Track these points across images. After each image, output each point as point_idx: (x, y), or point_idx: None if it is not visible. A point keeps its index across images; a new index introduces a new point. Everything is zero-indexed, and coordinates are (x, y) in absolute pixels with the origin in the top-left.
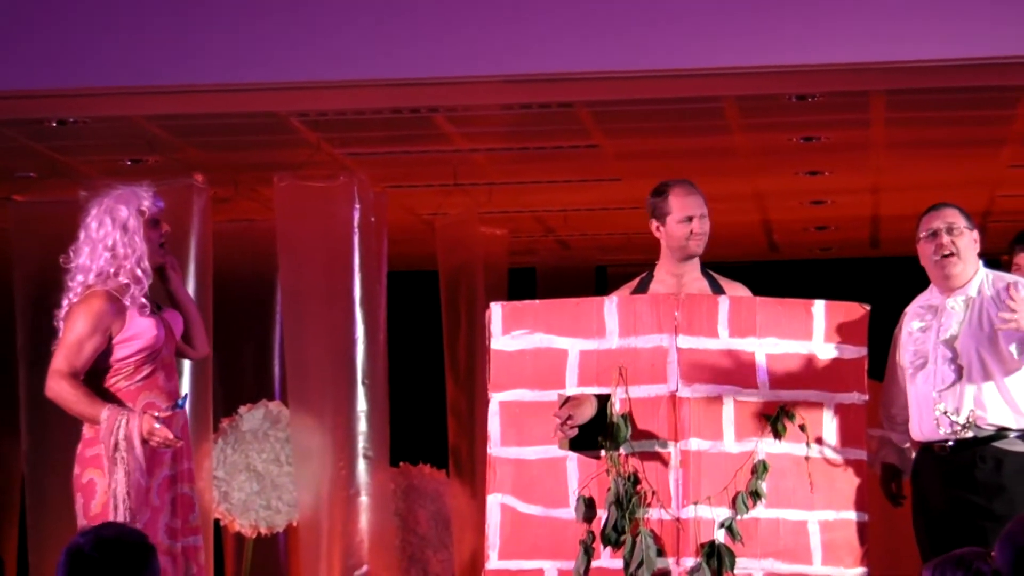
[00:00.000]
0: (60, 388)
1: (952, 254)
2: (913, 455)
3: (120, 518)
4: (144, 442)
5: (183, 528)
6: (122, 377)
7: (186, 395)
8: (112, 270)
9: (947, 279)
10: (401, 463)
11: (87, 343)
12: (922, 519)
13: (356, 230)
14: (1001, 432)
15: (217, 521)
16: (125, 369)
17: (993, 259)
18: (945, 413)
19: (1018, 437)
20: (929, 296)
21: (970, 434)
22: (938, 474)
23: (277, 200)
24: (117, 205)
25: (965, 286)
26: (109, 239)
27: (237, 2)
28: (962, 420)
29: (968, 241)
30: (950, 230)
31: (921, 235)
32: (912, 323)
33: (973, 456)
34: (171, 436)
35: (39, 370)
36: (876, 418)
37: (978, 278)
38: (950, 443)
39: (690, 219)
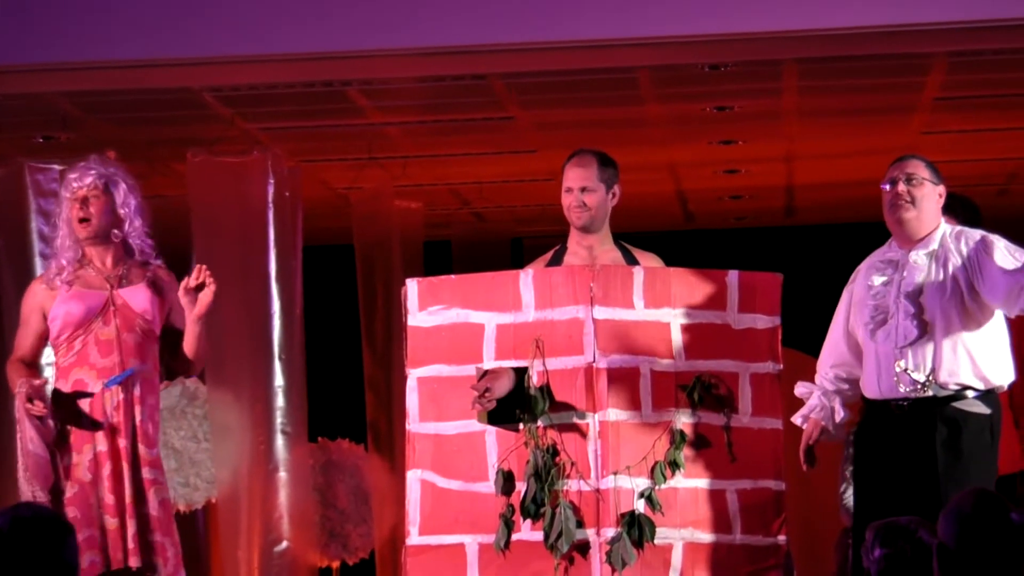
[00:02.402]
0: (5, 370)
1: (907, 201)
2: (838, 418)
3: (24, 489)
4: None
5: (123, 505)
6: (60, 354)
7: (123, 374)
8: (52, 253)
9: (899, 224)
10: (319, 438)
11: (26, 328)
12: (869, 479)
13: (270, 205)
14: (961, 392)
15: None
16: (61, 347)
17: None
18: (906, 371)
19: (977, 398)
20: (887, 250)
21: (930, 393)
22: (893, 434)
23: (191, 176)
24: (59, 191)
25: (926, 239)
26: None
27: None
28: (923, 378)
29: (929, 192)
30: (909, 179)
31: (884, 185)
32: (872, 278)
33: (932, 417)
34: (34, 407)
35: None
36: (794, 383)
37: (940, 232)
38: (908, 402)
39: (569, 190)
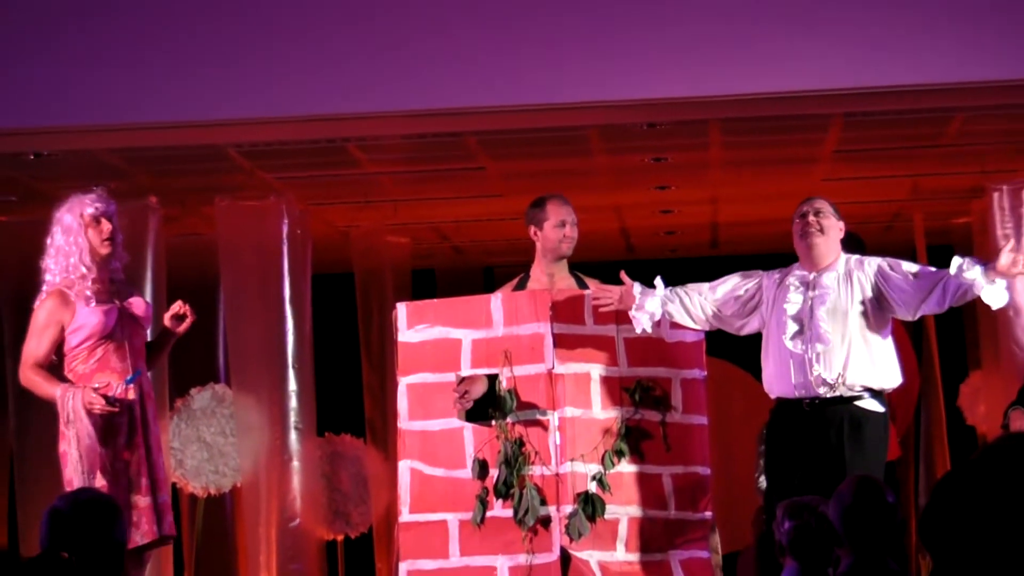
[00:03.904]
0: (25, 376)
1: (817, 230)
2: (657, 315)
3: (77, 478)
4: (89, 412)
5: (153, 485)
6: (79, 361)
7: (135, 374)
8: (62, 269)
9: (809, 249)
10: (326, 433)
11: (43, 336)
12: (780, 466)
13: (285, 241)
14: (862, 393)
15: (174, 484)
16: (80, 354)
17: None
18: (819, 375)
19: (874, 398)
20: (797, 273)
21: (838, 393)
22: (801, 427)
23: (218, 217)
24: (64, 214)
25: (833, 265)
26: (57, 243)
27: (181, 52)
28: (832, 380)
29: (833, 224)
30: (817, 212)
31: (796, 218)
32: (789, 295)
33: (839, 414)
34: (104, 404)
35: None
36: (718, 387)
37: (843, 259)
38: (817, 401)
39: (563, 224)
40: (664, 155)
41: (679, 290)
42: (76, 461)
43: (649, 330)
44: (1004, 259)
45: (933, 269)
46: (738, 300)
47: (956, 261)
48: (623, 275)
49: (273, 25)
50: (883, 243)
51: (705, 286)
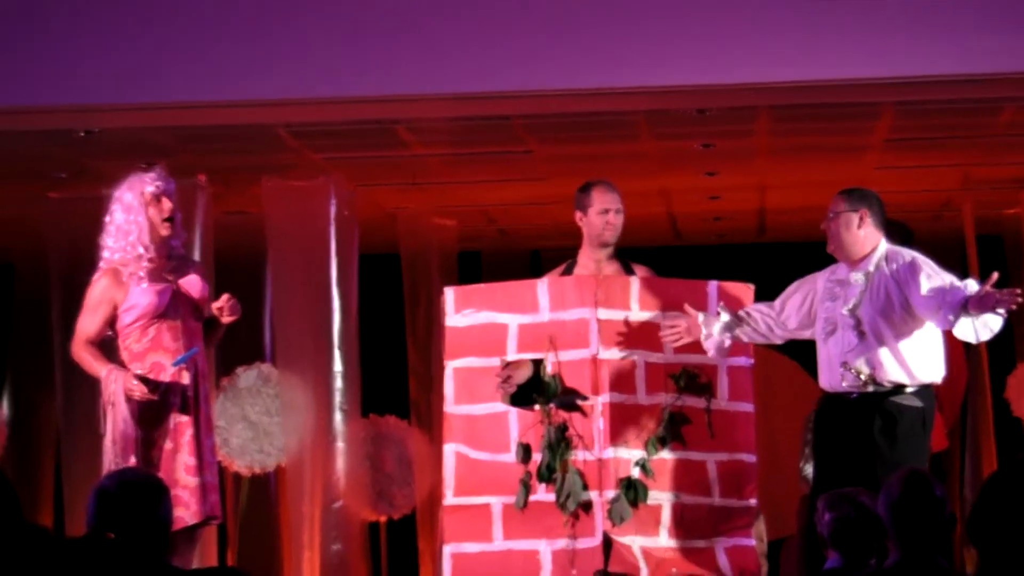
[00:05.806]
0: (75, 353)
1: (831, 239)
2: (727, 341)
3: (108, 460)
4: (128, 399)
5: (201, 466)
6: (132, 340)
7: (186, 354)
8: (120, 248)
9: (834, 255)
10: (371, 414)
11: (94, 315)
12: (824, 458)
13: (332, 221)
14: (898, 388)
15: (219, 463)
16: (133, 333)
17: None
18: (850, 371)
19: (912, 393)
20: (839, 271)
21: (871, 388)
22: (843, 421)
23: (266, 196)
24: (123, 192)
25: (865, 260)
26: (116, 221)
27: (232, 32)
28: (863, 378)
29: (844, 222)
30: (828, 218)
31: None
32: (826, 294)
33: (873, 408)
34: (146, 391)
35: (70, 338)
36: (765, 374)
37: (878, 253)
38: (854, 395)
39: (607, 211)
40: (713, 141)
41: (741, 314)
42: (111, 444)
43: (722, 355)
44: (980, 291)
45: (948, 285)
46: (800, 311)
47: (954, 287)
48: (687, 307)
49: (323, 5)
50: (933, 232)
51: (767, 305)
